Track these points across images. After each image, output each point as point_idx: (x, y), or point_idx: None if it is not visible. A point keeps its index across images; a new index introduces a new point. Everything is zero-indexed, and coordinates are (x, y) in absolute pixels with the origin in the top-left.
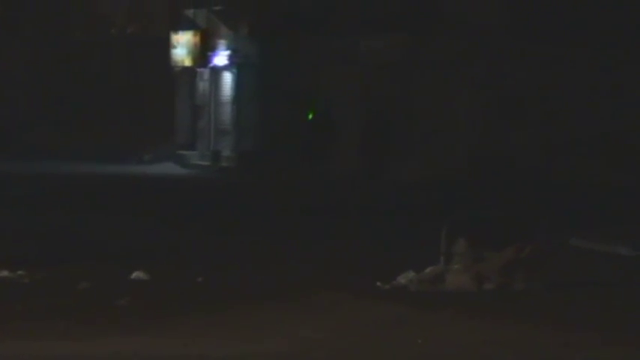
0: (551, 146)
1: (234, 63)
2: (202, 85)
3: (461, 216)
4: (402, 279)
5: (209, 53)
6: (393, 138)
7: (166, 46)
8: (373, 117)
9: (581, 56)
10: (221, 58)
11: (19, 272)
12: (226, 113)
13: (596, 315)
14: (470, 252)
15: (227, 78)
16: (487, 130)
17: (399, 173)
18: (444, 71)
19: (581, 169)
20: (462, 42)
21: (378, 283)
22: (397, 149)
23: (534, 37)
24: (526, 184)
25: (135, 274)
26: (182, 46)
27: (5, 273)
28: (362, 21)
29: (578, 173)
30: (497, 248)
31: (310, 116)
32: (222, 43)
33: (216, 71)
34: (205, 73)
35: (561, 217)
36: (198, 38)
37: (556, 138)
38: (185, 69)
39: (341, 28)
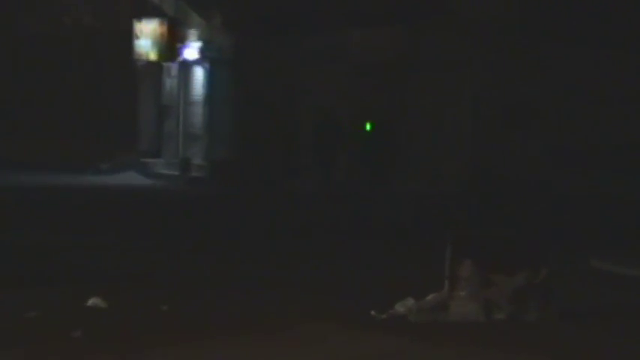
0: (561, 157)
1: (206, 57)
2: (169, 83)
3: (466, 235)
4: (401, 307)
5: (178, 45)
6: (389, 146)
7: (128, 37)
8: (364, 123)
9: (601, 57)
10: (191, 51)
11: None
12: (197, 115)
13: (620, 349)
14: (477, 276)
15: (198, 74)
16: (491, 138)
17: (394, 185)
18: (444, 71)
19: (594, 183)
20: (467, 39)
21: (373, 312)
22: (393, 158)
23: (548, 36)
24: (533, 198)
25: (91, 301)
26: (147, 36)
27: None
28: (353, 13)
29: (590, 187)
30: (508, 272)
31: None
32: (193, 33)
33: (186, 66)
34: (173, 68)
35: (574, 236)
36: (165, 28)
37: (567, 148)
38: (150, 63)
39: (329, 21)
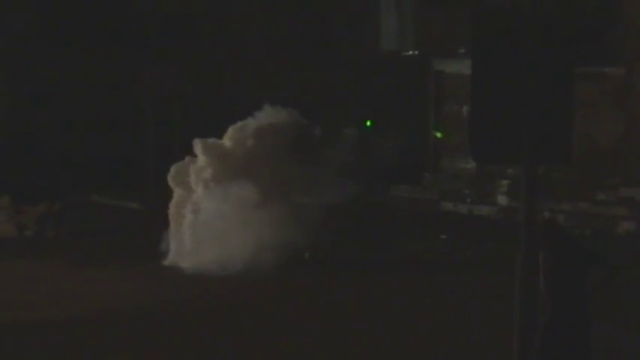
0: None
1: None
2: None
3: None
4: None
5: None
6: None
7: None
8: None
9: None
10: None
11: None
12: None
13: (114, 256)
14: (12, 206)
15: None
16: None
17: None
18: None
19: (91, 145)
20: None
21: None
22: None
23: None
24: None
25: None
26: None
27: None
28: None
29: (88, 149)
30: (33, 203)
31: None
32: None
33: None
34: None
35: (83, 181)
36: None
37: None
38: None
39: None
